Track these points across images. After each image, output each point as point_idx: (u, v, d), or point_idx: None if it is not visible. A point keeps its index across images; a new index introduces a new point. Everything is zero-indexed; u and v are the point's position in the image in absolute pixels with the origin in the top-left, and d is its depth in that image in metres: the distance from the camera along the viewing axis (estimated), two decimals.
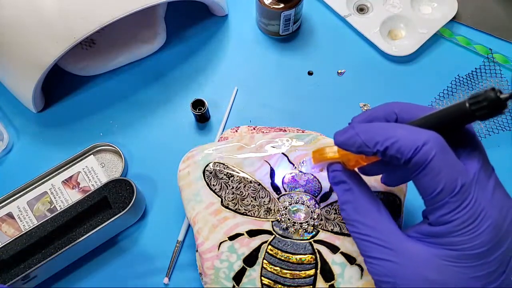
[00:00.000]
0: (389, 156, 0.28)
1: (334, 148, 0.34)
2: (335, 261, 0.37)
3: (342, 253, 0.37)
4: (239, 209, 0.39)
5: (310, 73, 0.52)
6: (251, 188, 0.40)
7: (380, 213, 0.31)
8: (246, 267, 0.37)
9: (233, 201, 0.39)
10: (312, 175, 0.40)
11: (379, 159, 0.32)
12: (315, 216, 0.38)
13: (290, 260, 0.37)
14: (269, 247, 0.38)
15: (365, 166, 0.34)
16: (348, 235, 0.38)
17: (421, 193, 0.29)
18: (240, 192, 0.40)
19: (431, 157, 0.27)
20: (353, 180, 0.32)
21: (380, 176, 0.37)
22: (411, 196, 0.40)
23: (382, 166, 0.34)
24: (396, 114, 0.31)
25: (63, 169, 0.46)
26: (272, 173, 0.40)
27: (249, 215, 0.39)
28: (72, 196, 0.45)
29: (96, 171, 0.46)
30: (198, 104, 0.47)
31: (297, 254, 0.37)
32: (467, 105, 0.26)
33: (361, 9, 0.55)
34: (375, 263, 0.30)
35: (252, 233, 0.38)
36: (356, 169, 0.35)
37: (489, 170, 0.29)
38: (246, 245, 0.38)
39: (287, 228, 0.38)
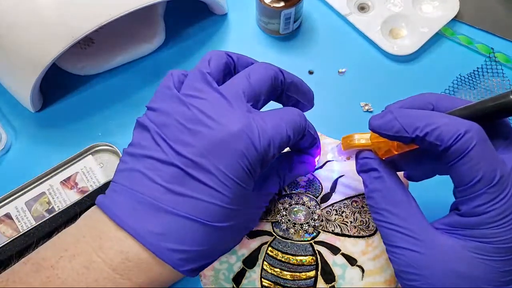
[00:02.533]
0: (428, 142, 0.28)
1: (365, 135, 0.34)
2: (335, 262, 0.37)
3: (343, 254, 0.37)
4: None
5: (310, 73, 0.52)
6: None
7: (410, 203, 0.31)
8: (246, 269, 0.37)
9: None
10: (313, 175, 0.40)
11: (411, 149, 0.32)
12: (316, 217, 0.38)
13: (291, 262, 0.37)
14: (269, 248, 0.37)
15: (393, 159, 0.34)
16: (349, 236, 0.38)
17: (456, 183, 0.28)
18: None
19: (472, 146, 0.27)
20: (384, 169, 0.32)
21: None
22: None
23: (411, 157, 0.33)
24: (432, 104, 0.31)
25: (61, 169, 0.46)
26: None
27: None
28: (70, 197, 0.45)
29: (94, 172, 0.46)
30: None
31: (298, 255, 0.37)
32: (511, 96, 0.26)
33: (362, 8, 0.55)
34: (400, 253, 0.29)
35: (252, 234, 0.38)
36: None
37: None
38: (246, 246, 0.38)
39: (287, 229, 0.38)
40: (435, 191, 0.41)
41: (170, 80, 0.31)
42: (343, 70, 0.51)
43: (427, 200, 0.41)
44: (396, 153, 0.33)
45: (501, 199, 0.27)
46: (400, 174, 0.38)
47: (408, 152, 0.33)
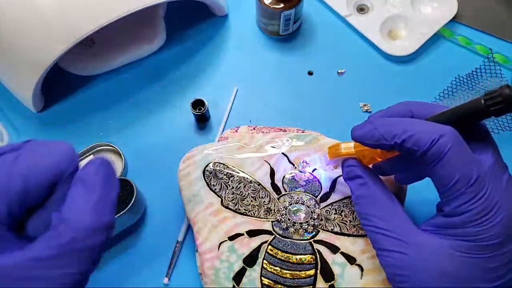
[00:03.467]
0: (406, 148, 0.29)
1: (349, 144, 0.35)
2: (335, 261, 0.37)
3: (342, 253, 0.37)
4: (239, 209, 0.39)
5: (310, 73, 0.52)
6: (251, 188, 0.40)
7: (394, 207, 0.32)
8: (246, 267, 0.37)
9: (233, 201, 0.39)
10: (312, 175, 0.40)
11: (394, 156, 0.33)
12: (315, 216, 0.38)
13: (290, 260, 0.37)
14: (269, 247, 0.38)
15: (380, 165, 0.35)
16: (348, 235, 0.38)
17: (437, 185, 0.29)
18: (240, 192, 0.40)
19: (447, 149, 0.28)
20: (368, 175, 0.33)
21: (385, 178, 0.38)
22: (412, 196, 0.40)
23: (396, 163, 0.34)
24: (412, 112, 0.32)
25: None
26: (272, 173, 0.40)
27: (249, 215, 0.39)
28: None
29: None
30: (198, 104, 0.47)
31: (297, 254, 0.37)
32: (482, 101, 0.27)
33: (361, 9, 0.55)
34: (389, 256, 0.30)
35: (252, 233, 0.38)
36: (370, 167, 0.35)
37: (503, 166, 0.30)
38: (246, 245, 0.38)
39: (287, 228, 0.38)
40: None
41: None
42: (342, 70, 0.51)
43: (425, 200, 0.41)
44: (380, 160, 0.34)
45: (479, 198, 0.27)
46: (391, 177, 0.38)
47: (393, 158, 0.34)
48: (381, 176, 0.37)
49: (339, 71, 0.52)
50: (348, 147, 0.35)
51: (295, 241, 0.38)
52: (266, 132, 0.44)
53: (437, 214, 0.31)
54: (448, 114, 0.30)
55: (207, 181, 0.40)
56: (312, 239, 0.38)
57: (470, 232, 0.28)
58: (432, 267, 0.28)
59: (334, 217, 0.39)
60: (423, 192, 0.41)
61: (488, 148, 0.30)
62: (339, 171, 0.40)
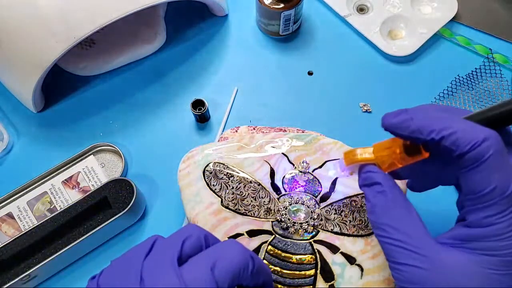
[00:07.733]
0: (443, 147, 0.27)
1: (368, 149, 0.33)
2: (335, 261, 0.37)
3: (342, 253, 0.37)
4: (239, 209, 0.39)
5: (310, 73, 0.52)
6: (251, 188, 0.40)
7: (412, 218, 0.29)
8: None
9: (233, 201, 0.39)
10: (312, 175, 0.40)
11: (415, 161, 0.31)
12: (315, 216, 0.38)
13: (290, 260, 0.37)
14: (269, 247, 0.38)
15: (398, 169, 0.32)
16: (348, 235, 0.38)
17: (466, 190, 0.27)
18: (240, 192, 0.40)
19: (489, 154, 0.26)
20: (387, 183, 0.31)
21: None
22: (411, 196, 0.40)
23: (416, 168, 0.32)
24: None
25: (63, 169, 0.46)
26: (272, 173, 0.40)
27: (249, 215, 0.39)
28: (72, 196, 0.45)
29: (96, 171, 0.46)
30: (198, 104, 0.47)
31: (297, 254, 0.37)
32: None
33: (361, 9, 0.55)
34: (405, 270, 0.28)
35: (252, 233, 0.38)
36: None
37: None
38: (246, 245, 0.38)
39: (287, 228, 0.38)
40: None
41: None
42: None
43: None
44: (400, 166, 0.32)
45: (511, 211, 0.26)
46: (399, 183, 0.37)
47: (413, 164, 0.32)
48: None
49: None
50: (367, 152, 0.33)
51: (295, 241, 0.38)
52: (266, 132, 0.44)
53: (457, 225, 0.29)
54: (490, 114, 0.27)
55: (207, 181, 0.40)
56: (312, 239, 0.38)
57: (495, 246, 0.26)
58: (452, 283, 0.27)
59: (334, 217, 0.39)
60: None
61: None
62: (338, 171, 0.40)
